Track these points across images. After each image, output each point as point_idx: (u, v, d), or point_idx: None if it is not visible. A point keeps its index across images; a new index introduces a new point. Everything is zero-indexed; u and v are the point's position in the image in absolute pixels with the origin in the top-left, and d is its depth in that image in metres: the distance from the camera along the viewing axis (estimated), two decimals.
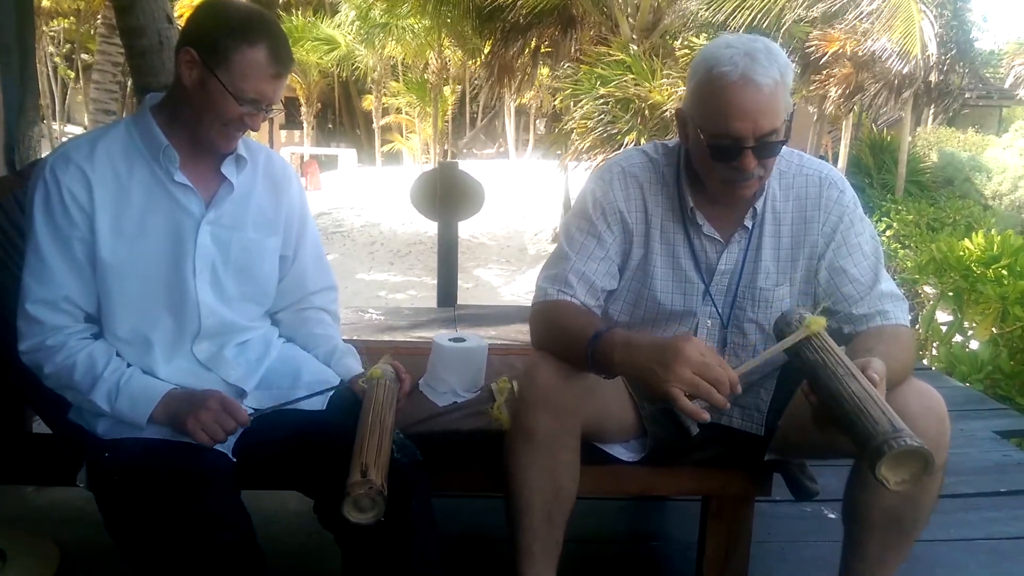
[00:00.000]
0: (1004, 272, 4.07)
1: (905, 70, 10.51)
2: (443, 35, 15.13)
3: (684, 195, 1.53)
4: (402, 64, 20.95)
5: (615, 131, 8.38)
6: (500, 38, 11.24)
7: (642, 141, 7.90)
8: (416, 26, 16.13)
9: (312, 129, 22.97)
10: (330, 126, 28.16)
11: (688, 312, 1.55)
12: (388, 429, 1.21)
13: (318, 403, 1.41)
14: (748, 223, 1.52)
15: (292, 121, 23.26)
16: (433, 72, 18.64)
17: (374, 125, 22.79)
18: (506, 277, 10.31)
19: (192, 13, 1.40)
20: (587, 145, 8.56)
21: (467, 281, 9.36)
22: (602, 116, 8.34)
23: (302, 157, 18.79)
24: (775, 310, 1.51)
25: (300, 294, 1.58)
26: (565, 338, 1.41)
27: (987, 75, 18.23)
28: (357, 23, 16.92)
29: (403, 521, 1.26)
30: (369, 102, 23.09)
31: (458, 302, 4.74)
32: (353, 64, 19.48)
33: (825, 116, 13.85)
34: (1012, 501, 2.24)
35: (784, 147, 1.55)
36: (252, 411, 1.35)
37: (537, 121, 25.83)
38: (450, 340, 1.86)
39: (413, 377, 1.48)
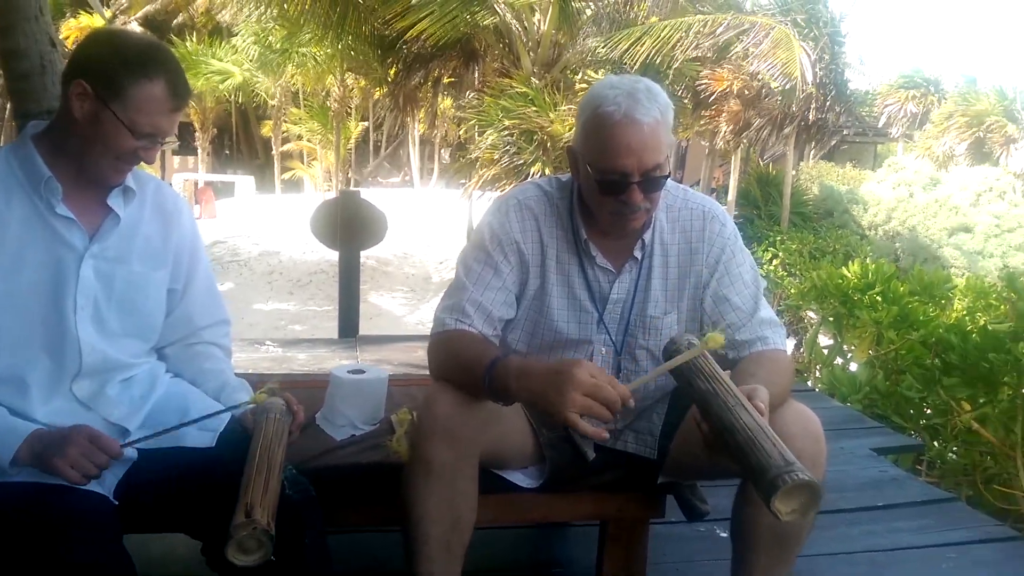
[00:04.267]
0: (878, 298, 4.34)
1: (791, 107, 11.21)
2: (345, 63, 15.02)
3: (578, 227, 1.58)
4: (303, 91, 20.66)
5: (520, 161, 8.52)
6: (403, 68, 11.26)
7: (547, 172, 8.07)
8: (318, 53, 15.96)
9: (208, 155, 22.25)
10: (227, 152, 27.35)
11: (584, 340, 1.60)
12: (277, 465, 1.17)
13: (207, 440, 1.37)
14: (638, 254, 1.59)
15: (186, 147, 22.43)
16: (335, 100, 18.44)
17: (274, 152, 22.31)
18: (410, 306, 10.24)
19: (84, 43, 1.35)
20: (493, 175, 8.67)
21: (371, 310, 9.24)
22: (507, 147, 8.48)
23: (196, 184, 18.12)
24: (664, 337, 1.58)
25: (190, 328, 1.52)
26: (463, 367, 1.42)
27: (863, 114, 19.65)
28: (257, 48, 16.59)
29: (296, 560, 1.23)
30: (269, 128, 22.61)
31: (361, 332, 4.67)
32: (251, 91, 19.06)
33: (716, 151, 14.57)
34: (888, 514, 2.38)
35: (670, 182, 1.64)
36: (125, 442, 1.28)
37: (442, 150, 25.96)
38: (349, 372, 1.83)
39: (306, 409, 1.45)
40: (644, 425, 1.67)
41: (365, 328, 6.92)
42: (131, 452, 1.31)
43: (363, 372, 1.84)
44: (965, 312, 4.34)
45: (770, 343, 1.56)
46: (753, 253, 11.93)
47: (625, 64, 9.77)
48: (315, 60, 16.32)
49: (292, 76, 17.78)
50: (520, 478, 1.61)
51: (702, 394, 1.30)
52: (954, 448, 3.43)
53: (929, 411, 3.65)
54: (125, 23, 17.16)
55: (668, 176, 1.50)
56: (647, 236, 1.58)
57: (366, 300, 10.00)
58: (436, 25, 8.22)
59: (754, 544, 1.47)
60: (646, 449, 1.67)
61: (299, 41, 14.85)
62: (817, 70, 11.10)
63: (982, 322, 3.95)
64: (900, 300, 4.19)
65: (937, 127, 17.69)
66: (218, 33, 19.52)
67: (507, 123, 7.90)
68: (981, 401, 3.29)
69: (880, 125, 20.09)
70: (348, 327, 4.37)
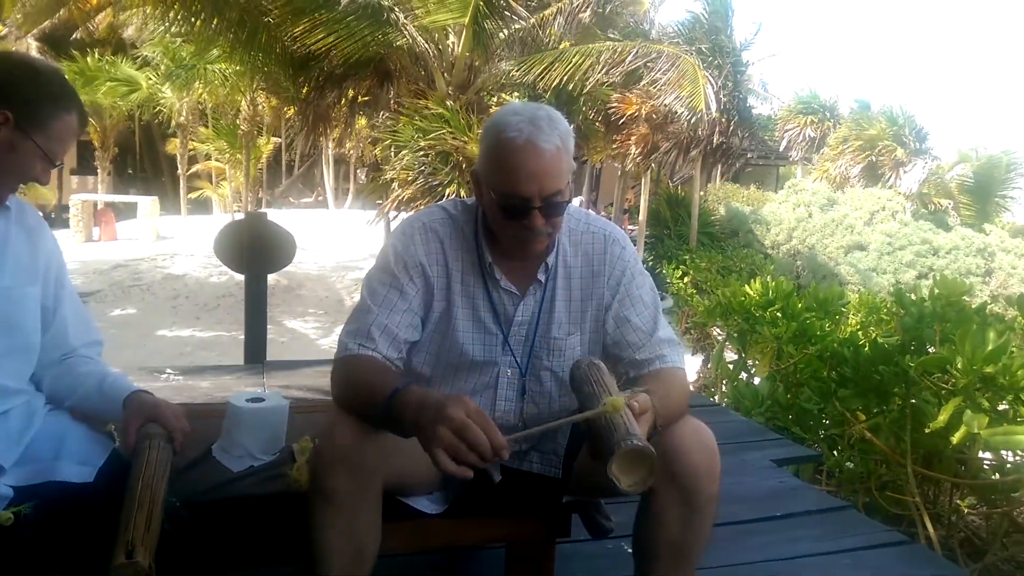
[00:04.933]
0: (778, 315, 4.52)
1: (697, 131, 11.64)
2: (255, 81, 14.68)
3: (482, 250, 1.59)
4: (212, 109, 20.08)
5: (436, 182, 8.51)
6: (315, 87, 11.09)
7: (462, 193, 8.08)
8: (227, 70, 15.55)
9: (108, 175, 21.27)
10: (130, 171, 26.24)
11: (489, 362, 1.61)
12: (159, 500, 1.13)
13: (85, 474, 1.30)
14: (541, 277, 1.61)
15: (85, 166, 21.42)
16: (245, 118, 17.98)
17: (179, 171, 21.55)
18: (324, 329, 10.02)
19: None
20: (408, 196, 8.62)
21: (282, 334, 9.00)
22: (423, 167, 8.46)
23: (95, 205, 17.27)
24: (568, 358, 1.60)
25: (64, 349, 1.48)
26: (364, 396, 1.40)
27: (766, 138, 20.59)
28: (165, 63, 16.02)
29: None
30: (175, 146, 21.82)
31: (272, 357, 4.54)
32: (155, 107, 18.38)
33: (628, 173, 14.95)
34: (786, 524, 2.46)
35: (573, 207, 1.68)
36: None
37: (358, 170, 25.68)
38: (247, 400, 1.78)
39: (205, 439, 1.40)
40: (549, 445, 1.69)
41: (277, 352, 6.74)
42: (5, 490, 1.24)
43: (262, 400, 1.79)
44: (858, 327, 4.57)
45: (668, 361, 1.61)
46: (664, 271, 12.30)
47: (539, 87, 9.95)
48: (224, 77, 15.89)
49: (200, 93, 17.26)
50: (425, 504, 1.59)
51: (586, 397, 1.37)
52: (850, 457, 3.59)
53: (827, 422, 3.80)
54: (19, 39, 16.31)
55: (569, 201, 1.53)
56: (550, 259, 1.61)
57: (279, 323, 9.73)
58: (346, 44, 8.15)
59: (654, 557, 1.50)
60: (551, 469, 1.68)
61: (207, 58, 14.44)
62: (721, 97, 11.56)
63: (874, 336, 4.16)
64: (798, 316, 4.37)
65: (833, 151, 18.70)
66: (122, 49, 18.77)
67: (422, 144, 7.89)
68: (874, 411, 3.45)
69: (781, 148, 21.08)
70: (255, 353, 4.24)
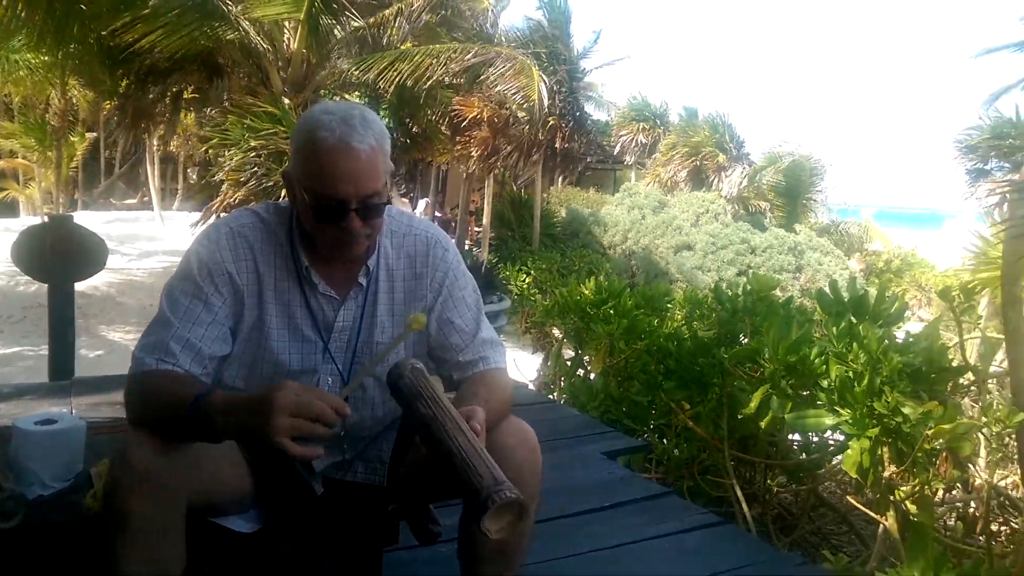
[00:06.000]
0: (611, 312, 4.71)
1: (537, 136, 11.94)
2: (68, 73, 13.45)
3: (298, 255, 1.53)
4: (18, 103, 18.19)
5: (269, 184, 8.16)
6: (136, 81, 10.34)
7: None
8: (33, 61, 14.11)
9: None
10: None
11: (308, 370, 1.55)
12: None
13: None
14: (362, 280, 1.57)
15: None
16: (56, 113, 16.42)
17: None
18: None
19: None
20: (240, 197, 8.21)
21: (98, 347, 8.30)
22: (255, 168, 8.09)
23: None
24: (392, 363, 1.57)
25: None
26: (163, 409, 1.30)
27: (604, 143, 21.46)
28: None
29: None
30: None
31: (84, 372, 4.16)
32: None
33: (473, 175, 15.09)
34: (615, 513, 2.55)
35: (396, 208, 1.65)
36: None
37: (188, 170, 24.21)
38: (37, 422, 1.61)
39: None
40: (374, 453, 1.65)
41: (91, 368, 6.19)
42: None
43: (55, 421, 1.62)
44: (683, 322, 4.84)
45: (491, 362, 1.62)
46: (509, 272, 12.51)
47: (380, 87, 9.81)
48: (30, 68, 14.42)
49: (2, 85, 15.58)
50: (239, 524, 1.51)
51: (422, 418, 1.33)
52: (677, 445, 3.80)
53: (655, 413, 4.00)
54: None
55: (388, 202, 1.50)
56: (371, 262, 1.58)
57: (96, 335, 8.98)
58: (171, 38, 7.64)
59: (478, 559, 1.50)
60: (376, 477, 1.65)
61: (11, 47, 13.05)
62: (557, 100, 11.93)
63: (696, 330, 4.43)
64: (629, 313, 4.58)
65: (664, 156, 19.79)
66: None
67: (253, 143, 7.54)
68: (696, 401, 3.67)
69: (615, 153, 22.06)
70: (61, 369, 3.87)
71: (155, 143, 19.00)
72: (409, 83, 9.17)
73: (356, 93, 11.98)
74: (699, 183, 18.79)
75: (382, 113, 11.96)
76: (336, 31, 8.72)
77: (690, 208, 16.60)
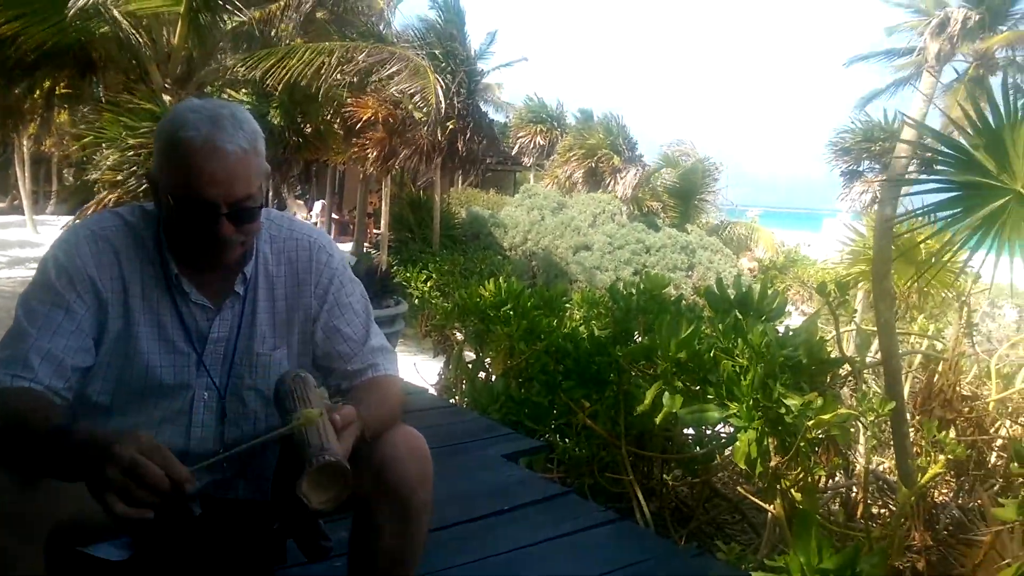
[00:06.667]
0: (511, 313, 4.71)
1: (436, 137, 11.85)
2: None
3: (167, 261, 1.43)
4: None
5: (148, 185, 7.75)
6: (1, 75, 9.60)
7: None
8: None
9: None
10: None
11: (181, 384, 1.45)
12: None
13: None
14: (240, 288, 1.49)
15: None
16: None
17: None
18: None
19: None
20: (116, 199, 7.75)
21: None
22: (134, 168, 7.65)
23: None
24: (274, 375, 1.49)
25: None
26: (17, 436, 1.19)
27: (504, 145, 21.58)
28: None
29: None
30: None
31: None
32: None
33: (370, 176, 14.84)
34: (515, 516, 2.52)
35: (275, 212, 1.57)
36: None
37: (63, 171, 22.76)
38: None
39: None
40: (256, 469, 1.56)
41: None
42: None
43: None
44: (580, 322, 4.91)
45: (380, 369, 1.57)
46: (409, 275, 12.35)
47: (268, 85, 9.49)
48: None
49: None
50: (109, 551, 1.39)
51: (286, 413, 1.30)
52: (577, 444, 3.84)
53: (556, 412, 4.03)
54: None
55: (262, 206, 1.42)
56: (248, 269, 1.49)
57: None
58: (36, 29, 7.12)
59: (374, 571, 1.45)
60: (259, 494, 1.56)
61: None
62: (455, 102, 11.88)
63: (592, 329, 4.49)
64: (528, 314, 4.59)
65: (562, 157, 20.10)
66: None
67: (131, 142, 7.12)
68: (594, 399, 3.72)
69: (514, 154, 22.25)
70: None
71: (25, 143, 17.75)
72: (302, 82, 8.93)
73: (244, 91, 11.56)
74: (595, 184, 19.19)
75: (272, 112, 11.60)
76: (220, 25, 8.36)
77: (588, 209, 16.91)
